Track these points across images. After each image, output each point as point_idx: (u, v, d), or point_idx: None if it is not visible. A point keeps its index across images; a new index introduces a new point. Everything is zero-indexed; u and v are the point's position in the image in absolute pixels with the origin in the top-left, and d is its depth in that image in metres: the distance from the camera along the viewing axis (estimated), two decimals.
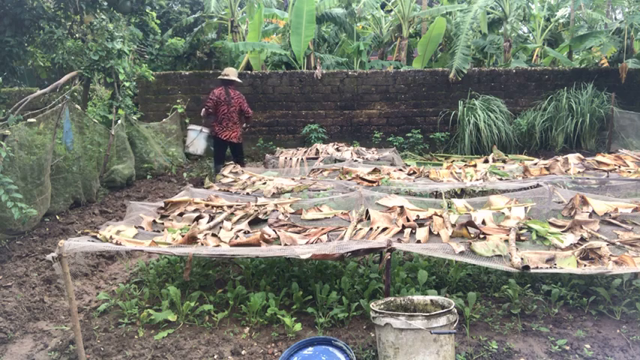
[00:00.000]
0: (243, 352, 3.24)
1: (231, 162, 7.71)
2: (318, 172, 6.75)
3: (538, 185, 5.06)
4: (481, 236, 3.63)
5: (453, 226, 3.85)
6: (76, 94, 8.52)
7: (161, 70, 12.10)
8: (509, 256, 3.17)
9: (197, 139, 8.37)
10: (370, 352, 3.13)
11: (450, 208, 4.45)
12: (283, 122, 11.37)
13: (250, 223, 4.29)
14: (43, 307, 3.96)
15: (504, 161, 7.87)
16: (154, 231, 4.23)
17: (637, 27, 11.51)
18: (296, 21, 11.26)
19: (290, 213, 4.55)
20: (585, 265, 3.17)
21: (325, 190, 5.48)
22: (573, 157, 6.64)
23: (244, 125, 8.29)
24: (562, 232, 3.75)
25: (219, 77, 8.02)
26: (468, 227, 3.69)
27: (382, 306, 2.98)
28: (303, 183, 5.80)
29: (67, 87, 7.90)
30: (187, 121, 10.77)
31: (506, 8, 12.18)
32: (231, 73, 7.81)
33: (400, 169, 6.70)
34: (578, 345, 3.19)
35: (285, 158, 7.93)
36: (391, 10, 14.47)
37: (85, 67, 7.81)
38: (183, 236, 3.82)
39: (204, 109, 7.84)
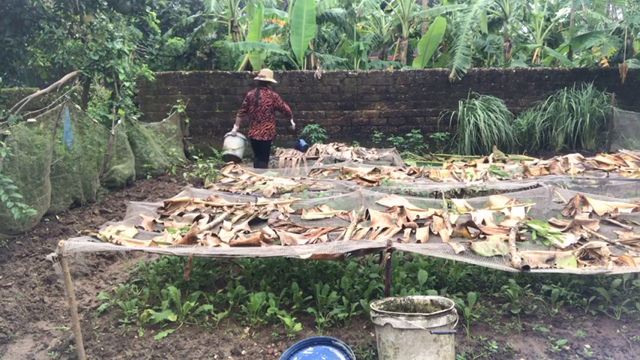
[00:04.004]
0: (243, 352, 3.24)
1: (231, 162, 7.70)
2: (318, 172, 6.76)
3: (538, 185, 5.06)
4: (481, 236, 3.63)
5: (453, 226, 3.85)
6: (76, 94, 8.52)
7: (161, 70, 12.10)
8: (509, 256, 3.17)
9: (226, 140, 8.28)
10: (370, 352, 3.12)
11: (450, 208, 4.44)
12: (283, 122, 11.34)
13: (250, 223, 4.29)
14: (43, 307, 3.96)
15: (504, 161, 7.88)
16: (154, 231, 4.23)
17: (637, 27, 11.51)
18: (296, 21, 11.26)
19: (290, 213, 4.55)
20: (585, 265, 3.17)
21: (325, 190, 5.48)
22: (573, 157, 6.65)
23: (291, 125, 8.47)
24: (562, 232, 3.75)
25: (254, 78, 8.14)
26: (468, 227, 3.69)
27: (382, 306, 2.98)
28: (303, 183, 5.80)
29: (67, 87, 7.90)
30: (187, 121, 10.79)
31: (506, 8, 12.18)
32: (266, 75, 7.88)
33: (400, 169, 6.71)
34: (578, 345, 3.19)
35: (285, 158, 7.94)
36: (391, 10, 14.48)
37: (85, 67, 7.81)
38: (183, 236, 3.81)
39: (239, 111, 8.12)
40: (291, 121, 8.39)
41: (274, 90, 8.30)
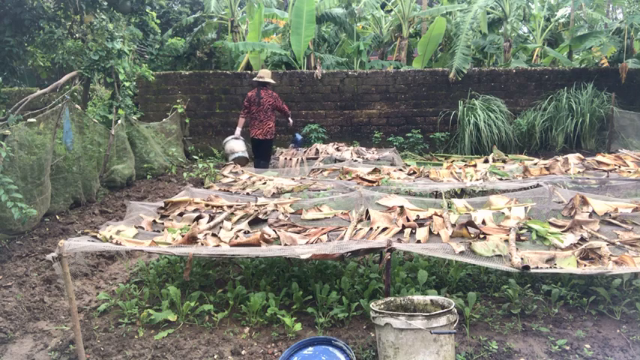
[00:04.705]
0: (243, 352, 3.24)
1: (231, 162, 7.71)
2: (318, 172, 6.76)
3: (538, 185, 5.06)
4: (481, 236, 3.63)
5: (453, 226, 3.85)
6: (76, 94, 8.52)
7: (161, 70, 12.10)
8: (509, 256, 3.17)
9: (232, 143, 8.32)
10: (370, 352, 3.12)
11: (450, 208, 4.44)
12: (283, 122, 11.36)
13: (250, 223, 4.29)
14: (43, 307, 3.96)
15: (504, 161, 7.88)
16: (154, 231, 4.23)
17: (637, 27, 11.51)
18: (296, 21, 11.25)
19: (290, 213, 4.55)
20: (585, 265, 3.17)
21: (325, 190, 5.48)
22: (573, 157, 6.65)
23: (289, 122, 8.70)
24: (562, 232, 3.75)
25: (253, 79, 8.30)
26: (468, 227, 3.69)
27: (382, 306, 2.98)
28: (303, 183, 5.81)
29: (67, 87, 7.90)
30: (187, 121, 10.79)
31: (506, 8, 12.18)
32: (265, 75, 8.05)
33: (400, 169, 6.71)
34: (578, 345, 3.18)
35: (285, 158, 7.94)
36: (391, 10, 14.47)
37: (85, 67, 7.81)
38: (183, 236, 3.82)
39: (242, 112, 8.19)
40: (289, 118, 8.61)
41: (274, 90, 8.38)
